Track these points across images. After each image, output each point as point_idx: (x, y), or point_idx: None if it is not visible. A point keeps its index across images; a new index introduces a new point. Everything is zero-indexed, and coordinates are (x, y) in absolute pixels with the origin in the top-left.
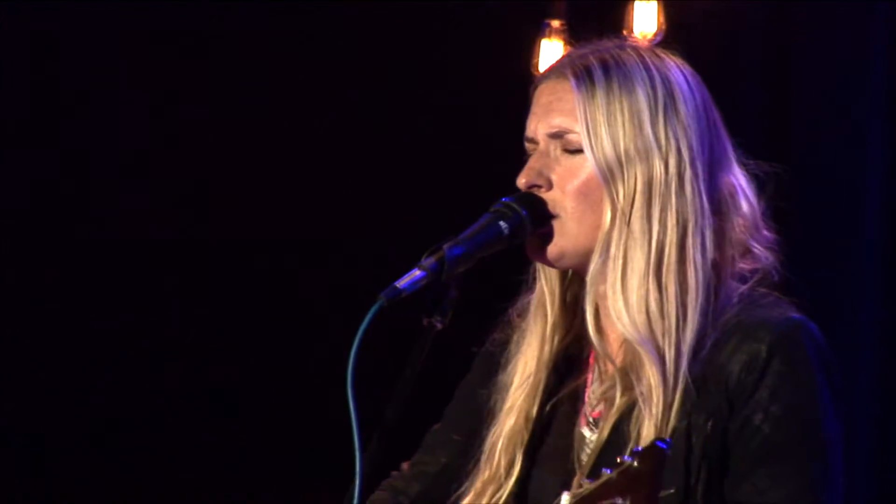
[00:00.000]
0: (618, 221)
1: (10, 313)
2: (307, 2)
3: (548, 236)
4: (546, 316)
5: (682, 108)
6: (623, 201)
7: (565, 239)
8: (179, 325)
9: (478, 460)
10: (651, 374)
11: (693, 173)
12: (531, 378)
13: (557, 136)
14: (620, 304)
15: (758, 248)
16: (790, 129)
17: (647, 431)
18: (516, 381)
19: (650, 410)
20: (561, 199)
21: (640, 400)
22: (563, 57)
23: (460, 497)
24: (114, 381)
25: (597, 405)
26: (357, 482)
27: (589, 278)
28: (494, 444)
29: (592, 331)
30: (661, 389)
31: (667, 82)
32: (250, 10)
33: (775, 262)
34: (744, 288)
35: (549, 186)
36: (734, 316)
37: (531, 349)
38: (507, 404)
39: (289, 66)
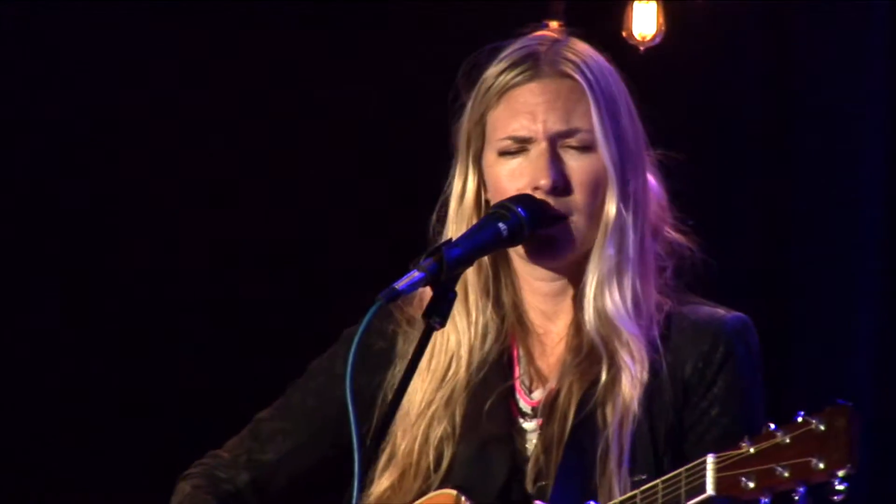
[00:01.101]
0: (619, 217)
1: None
2: (305, 3)
3: (552, 237)
4: (474, 319)
5: (631, 96)
6: (627, 196)
7: (575, 238)
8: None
9: (380, 452)
10: (634, 359)
11: (650, 161)
12: (457, 380)
13: (567, 134)
14: (618, 297)
15: (669, 232)
16: (790, 129)
17: (618, 411)
18: (433, 384)
19: (629, 392)
20: (575, 198)
21: (624, 379)
22: (531, 54)
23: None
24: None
25: (536, 396)
26: (356, 482)
27: (593, 274)
28: (415, 443)
29: (594, 329)
30: (640, 373)
31: (619, 74)
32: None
33: (688, 244)
34: (668, 274)
35: (567, 186)
36: (675, 306)
37: (450, 349)
38: (427, 407)
39: (289, 67)
